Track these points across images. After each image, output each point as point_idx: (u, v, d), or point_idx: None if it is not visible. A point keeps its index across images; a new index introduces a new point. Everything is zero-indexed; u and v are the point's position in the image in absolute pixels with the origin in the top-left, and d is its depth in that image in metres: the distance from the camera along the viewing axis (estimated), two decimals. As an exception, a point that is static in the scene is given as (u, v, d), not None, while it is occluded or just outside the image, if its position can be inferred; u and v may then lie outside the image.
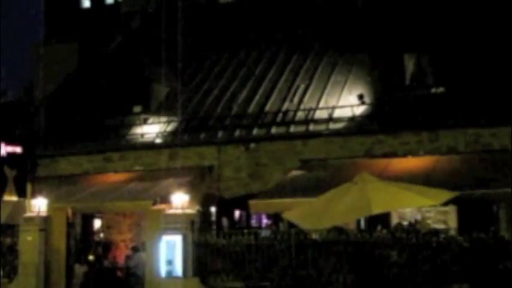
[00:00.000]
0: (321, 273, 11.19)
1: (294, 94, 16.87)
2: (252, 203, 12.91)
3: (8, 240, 14.21)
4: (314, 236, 11.73)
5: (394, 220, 13.75)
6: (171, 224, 12.53)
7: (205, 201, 15.42)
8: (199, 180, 15.78)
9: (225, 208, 16.43)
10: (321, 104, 16.05)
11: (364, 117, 15.18)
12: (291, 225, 11.65)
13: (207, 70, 19.44)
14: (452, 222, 13.98)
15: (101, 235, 17.71)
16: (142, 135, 17.47)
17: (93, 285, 14.76)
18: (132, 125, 18.02)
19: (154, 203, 13.79)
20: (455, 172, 12.57)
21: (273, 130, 16.08)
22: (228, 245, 12.17)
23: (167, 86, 18.25)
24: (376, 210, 9.53)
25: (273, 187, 14.04)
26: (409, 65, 15.64)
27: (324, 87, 16.66)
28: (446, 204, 10.62)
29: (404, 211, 13.73)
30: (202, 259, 12.37)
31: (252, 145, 16.14)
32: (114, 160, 17.57)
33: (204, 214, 15.14)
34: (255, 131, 16.30)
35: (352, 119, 15.23)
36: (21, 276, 13.61)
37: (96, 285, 14.78)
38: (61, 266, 13.98)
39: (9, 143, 15.66)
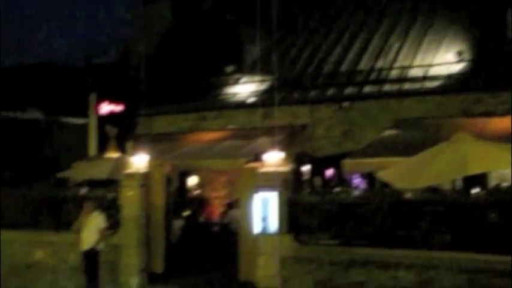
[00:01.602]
0: (416, 233, 11.11)
1: (388, 52, 16.57)
2: (345, 162, 12.91)
3: (111, 195, 14.84)
4: (408, 196, 11.63)
5: (493, 181, 13.39)
6: (266, 181, 12.70)
7: (297, 160, 15.53)
8: (292, 139, 15.89)
9: (318, 167, 16.50)
10: (416, 62, 15.69)
11: (462, 75, 14.75)
12: (385, 184, 11.58)
13: (299, 29, 19.35)
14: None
15: (196, 192, 18.22)
16: (235, 94, 17.74)
17: (190, 239, 15.28)
18: (225, 84, 18.32)
19: (248, 161, 14.00)
20: (559, 132, 12.04)
21: (366, 89, 15.91)
22: (321, 203, 12.24)
23: (260, 45, 18.33)
24: (473, 170, 9.33)
25: (367, 146, 13.95)
26: None
27: (419, 45, 16.26)
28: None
29: (503, 172, 13.31)
30: (295, 216, 12.52)
31: (345, 104, 16.06)
32: (209, 119, 17.98)
33: (297, 173, 15.29)
34: (347, 90, 16.19)
35: (449, 77, 14.83)
36: (124, 229, 14.24)
37: (192, 240, 15.29)
38: (160, 220, 14.48)
39: (110, 102, 16.30)
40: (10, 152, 17.62)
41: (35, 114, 19.47)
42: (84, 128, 18.86)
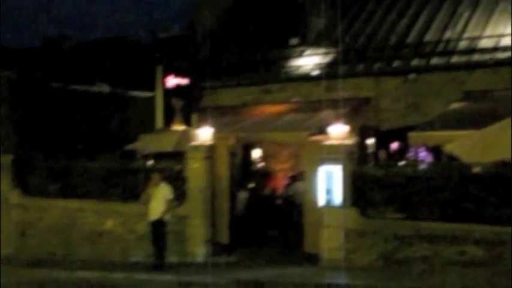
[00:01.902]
0: (484, 208, 10.92)
1: (457, 22, 16.14)
2: (411, 135, 12.75)
3: (177, 167, 15.12)
4: (477, 170, 11.41)
5: None
6: (330, 154, 12.70)
7: (362, 133, 15.42)
8: (356, 112, 15.77)
9: (382, 140, 16.33)
10: (486, 32, 15.24)
11: (535, 46, 14.24)
12: (452, 158, 11.38)
13: (364, 0, 19.04)
14: None
15: (260, 164, 18.35)
16: (299, 67, 17.68)
17: (254, 211, 15.44)
18: (289, 57, 18.27)
19: (312, 134, 13.99)
20: None
21: (434, 60, 15.57)
22: (387, 176, 12.15)
23: (324, 17, 18.16)
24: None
25: (434, 119, 13.71)
26: None
27: (490, 15, 15.76)
28: None
29: None
30: (360, 190, 12.48)
31: (411, 76, 15.79)
32: (273, 91, 18.00)
33: (361, 146, 15.20)
34: (414, 62, 15.89)
35: (520, 47, 14.35)
36: (190, 200, 14.53)
37: (256, 212, 15.46)
38: (225, 192, 14.69)
39: (176, 75, 16.51)
40: (80, 125, 18.18)
41: (104, 88, 19.95)
42: (150, 102, 19.22)
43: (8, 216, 17.40)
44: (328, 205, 12.64)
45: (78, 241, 16.15)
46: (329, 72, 16.62)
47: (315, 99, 16.51)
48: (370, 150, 16.10)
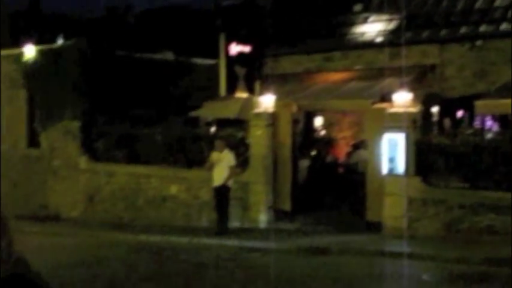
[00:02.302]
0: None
1: (529, -14, 15.55)
2: (478, 103, 12.49)
3: (240, 134, 15.28)
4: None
5: None
6: (394, 122, 12.59)
7: (426, 101, 15.14)
8: (421, 80, 15.49)
9: (447, 108, 16.03)
10: (559, -3, 14.65)
11: None
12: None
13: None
14: None
15: (322, 132, 18.33)
16: (363, 34, 17.44)
17: (316, 179, 15.51)
18: (352, 23, 18.02)
19: (375, 102, 13.87)
20: None
21: (503, 26, 15.09)
22: (452, 145, 11.99)
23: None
24: None
25: (501, 87, 13.37)
26: None
27: None
28: None
29: None
30: (424, 158, 12.36)
31: (479, 42, 15.37)
32: (335, 59, 17.85)
33: (426, 114, 14.96)
34: (482, 28, 15.45)
35: None
36: (252, 167, 14.69)
37: (318, 179, 15.52)
38: (287, 160, 14.78)
39: (239, 42, 16.57)
40: (145, 92, 18.52)
41: (167, 56, 20.22)
42: (213, 69, 19.38)
43: (77, 182, 18.04)
44: (391, 173, 12.57)
45: (143, 206, 16.62)
46: (393, 39, 16.34)
47: (378, 66, 16.29)
48: (434, 119, 15.85)
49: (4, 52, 20.68)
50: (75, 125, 18.04)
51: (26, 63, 19.54)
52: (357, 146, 15.69)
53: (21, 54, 19.69)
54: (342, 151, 17.34)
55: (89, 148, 17.91)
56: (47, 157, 18.93)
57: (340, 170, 16.35)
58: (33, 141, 20.18)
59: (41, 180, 18.99)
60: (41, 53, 19.24)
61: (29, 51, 19.48)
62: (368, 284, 9.58)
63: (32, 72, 19.39)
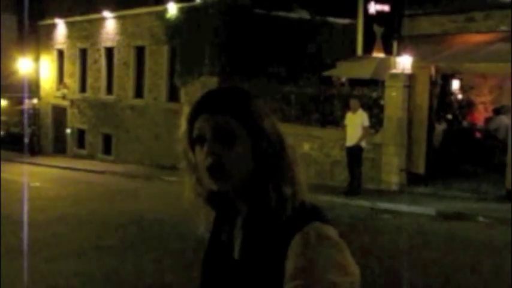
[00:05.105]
0: None
1: None
2: None
3: (374, 94, 15.16)
4: None
5: None
6: (541, 87, 12.00)
7: None
8: None
9: None
10: None
11: None
12: None
13: None
14: None
15: (460, 96, 17.75)
16: (510, -7, 16.54)
17: (452, 143, 15.13)
18: (498, -18, 17.13)
19: (518, 66, 13.23)
20: None
21: None
22: None
23: None
24: None
25: None
26: None
27: None
28: None
29: None
30: None
31: None
32: (478, 20, 17.05)
33: None
34: None
35: None
36: (386, 128, 14.58)
37: (455, 144, 15.13)
38: (422, 122, 14.50)
39: (378, 1, 16.27)
40: (281, 50, 18.76)
41: (303, 14, 20.28)
42: (348, 28, 19.21)
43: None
44: (535, 141, 12.04)
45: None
46: (544, -2, 15.38)
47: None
48: None
49: (148, 9, 21.68)
50: (213, 80, 18.66)
51: (168, 20, 20.38)
52: (498, 111, 15.09)
53: (164, 11, 20.54)
54: (480, 116, 16.75)
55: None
56: (185, 111, 19.76)
57: (478, 135, 15.83)
58: (173, 95, 21.18)
59: (179, 133, 19.89)
60: (182, 10, 19.97)
61: (171, 9, 20.28)
62: (507, 251, 9.36)
63: (173, 29, 20.22)
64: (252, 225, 1.77)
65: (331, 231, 1.69)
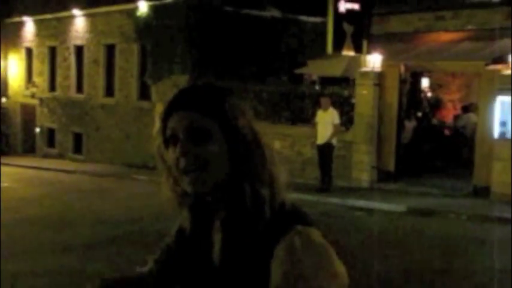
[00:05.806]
0: None
1: None
2: None
3: (345, 93, 15.25)
4: None
5: None
6: (507, 85, 12.19)
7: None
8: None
9: None
10: None
11: None
12: None
13: None
14: None
15: (429, 94, 17.96)
16: (477, -8, 16.76)
17: (422, 140, 15.30)
18: (466, -19, 17.35)
19: (487, 64, 13.43)
20: None
21: None
22: None
23: None
24: None
25: None
26: None
27: None
28: None
29: None
30: (538, 123, 11.92)
31: None
32: (446, 18, 17.27)
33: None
34: None
35: None
36: (357, 126, 14.68)
37: (424, 141, 15.30)
38: (392, 120, 14.63)
39: (347, 0, 16.38)
40: (251, 48, 18.77)
41: (274, 13, 20.31)
42: (319, 27, 19.29)
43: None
44: (502, 138, 12.23)
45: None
46: (510, -2, 15.61)
47: (493, 26, 15.67)
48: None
49: (118, 7, 21.50)
50: (184, 78, 18.59)
51: (138, 18, 20.24)
52: (467, 109, 15.31)
53: (134, 9, 20.40)
54: (449, 113, 16.97)
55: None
56: (158, 109, 19.68)
57: (447, 132, 16.03)
58: (144, 94, 21.05)
59: (151, 131, 19.80)
60: (153, 8, 19.85)
61: (142, 7, 20.15)
62: (475, 247, 9.50)
63: (144, 27, 20.09)
64: (231, 229, 1.69)
65: (315, 234, 1.63)
